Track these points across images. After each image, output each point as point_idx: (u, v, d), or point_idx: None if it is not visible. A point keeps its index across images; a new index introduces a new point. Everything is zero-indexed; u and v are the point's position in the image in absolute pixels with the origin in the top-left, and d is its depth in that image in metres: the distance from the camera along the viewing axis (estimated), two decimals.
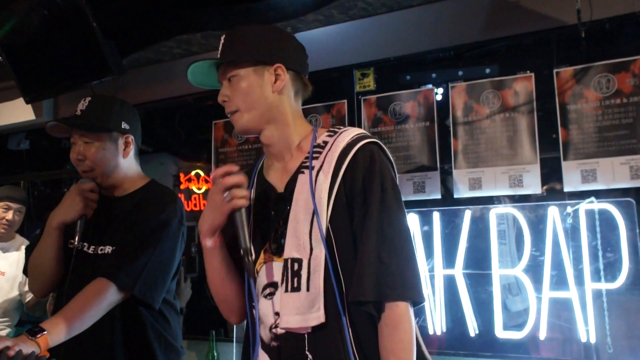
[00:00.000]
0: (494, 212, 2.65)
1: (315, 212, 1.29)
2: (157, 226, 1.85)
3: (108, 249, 1.87)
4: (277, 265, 1.34)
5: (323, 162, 1.34)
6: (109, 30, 2.90)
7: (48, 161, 4.62)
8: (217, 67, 1.46)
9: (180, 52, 3.54)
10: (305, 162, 1.37)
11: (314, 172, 1.34)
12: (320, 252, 1.27)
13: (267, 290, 1.36)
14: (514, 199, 2.71)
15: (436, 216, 2.77)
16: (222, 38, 1.43)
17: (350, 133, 1.39)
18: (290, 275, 1.29)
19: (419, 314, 2.71)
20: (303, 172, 1.36)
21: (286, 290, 1.28)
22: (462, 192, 2.76)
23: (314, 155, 1.37)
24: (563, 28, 2.66)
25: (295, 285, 1.27)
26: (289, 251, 1.31)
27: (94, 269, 1.80)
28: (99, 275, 1.75)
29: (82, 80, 3.14)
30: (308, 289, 1.26)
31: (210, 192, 1.36)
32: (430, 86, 2.98)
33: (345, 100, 3.14)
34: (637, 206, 2.42)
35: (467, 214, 2.71)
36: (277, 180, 1.44)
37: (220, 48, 1.43)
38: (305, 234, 1.29)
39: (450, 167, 2.81)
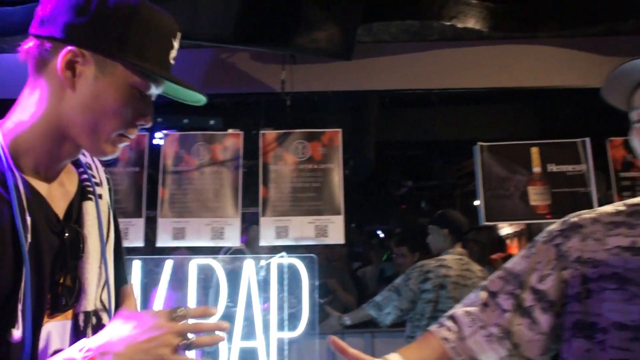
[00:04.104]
0: (195, 263, 2.68)
1: (103, 255, 1.10)
2: None
3: None
4: (66, 325, 1.04)
5: (101, 192, 1.14)
6: None
7: None
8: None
9: None
10: (89, 187, 1.12)
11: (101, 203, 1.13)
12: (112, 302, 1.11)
13: None
14: (214, 251, 2.79)
15: (137, 264, 2.68)
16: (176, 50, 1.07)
17: None
18: (92, 332, 1.03)
19: None
20: (90, 199, 1.10)
21: None
22: (165, 241, 2.74)
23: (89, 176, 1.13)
24: (272, 94, 2.91)
25: None
26: (88, 303, 1.05)
27: None
28: None
29: None
30: None
31: (156, 326, 0.94)
32: (144, 132, 2.93)
33: None
34: (319, 262, 2.72)
35: (168, 264, 2.68)
36: (56, 200, 1.07)
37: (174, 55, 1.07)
38: (100, 279, 1.09)
39: (156, 215, 2.77)
